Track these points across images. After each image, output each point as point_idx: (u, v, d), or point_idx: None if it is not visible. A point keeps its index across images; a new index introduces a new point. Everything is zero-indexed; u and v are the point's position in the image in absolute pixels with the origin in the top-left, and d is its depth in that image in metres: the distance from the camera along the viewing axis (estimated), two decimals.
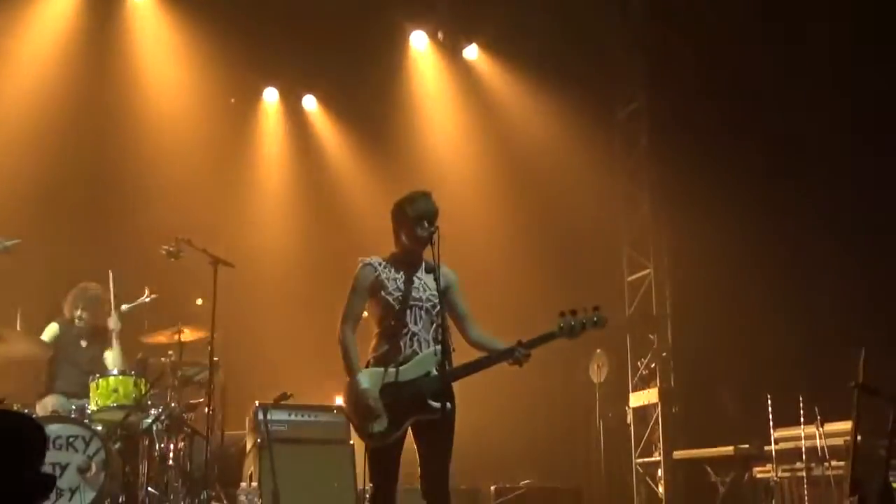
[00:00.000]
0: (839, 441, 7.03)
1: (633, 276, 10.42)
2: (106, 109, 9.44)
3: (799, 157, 8.69)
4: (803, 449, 7.31)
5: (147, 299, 7.30)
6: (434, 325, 4.81)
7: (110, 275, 7.34)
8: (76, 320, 7.29)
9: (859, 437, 5.79)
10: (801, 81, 8.51)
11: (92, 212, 9.24)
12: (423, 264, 4.94)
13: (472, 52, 10.71)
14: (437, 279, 4.73)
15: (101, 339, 7.35)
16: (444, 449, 4.73)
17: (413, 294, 4.83)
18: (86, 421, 6.39)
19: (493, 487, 8.15)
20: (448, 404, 4.58)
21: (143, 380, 6.77)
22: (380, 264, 4.91)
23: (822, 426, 7.15)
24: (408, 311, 4.81)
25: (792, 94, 8.64)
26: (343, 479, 7.06)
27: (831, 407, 7.01)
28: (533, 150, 10.34)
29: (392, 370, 4.73)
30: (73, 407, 6.70)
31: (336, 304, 4.99)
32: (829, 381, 6.82)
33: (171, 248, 6.80)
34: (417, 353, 4.77)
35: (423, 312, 4.83)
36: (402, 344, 4.78)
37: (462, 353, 4.83)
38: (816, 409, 7.19)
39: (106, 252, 8.62)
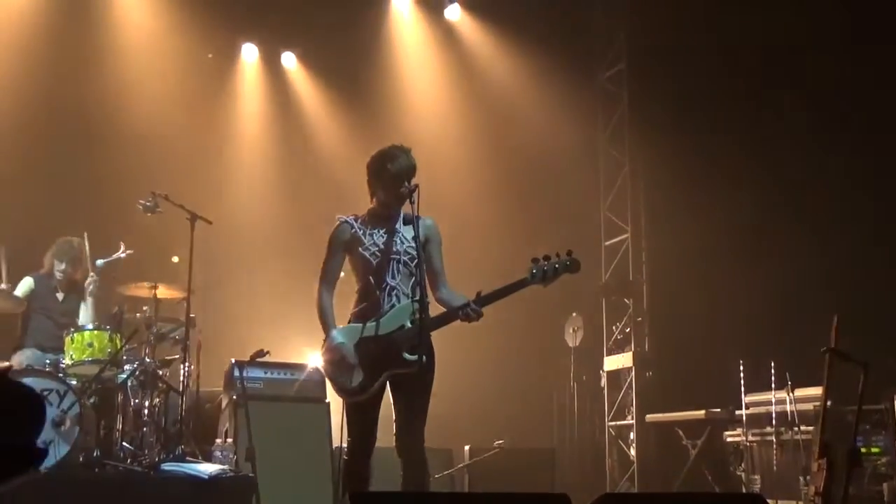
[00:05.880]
0: (809, 406, 7.12)
1: (611, 241, 10.44)
2: (83, 61, 9.28)
3: (777, 124, 8.72)
4: (773, 413, 7.42)
5: (123, 255, 7.23)
6: (413, 277, 4.78)
7: (85, 236, 7.29)
8: (56, 273, 7.23)
9: (829, 402, 5.87)
10: (783, 44, 8.50)
11: (69, 167, 9.11)
12: (402, 216, 4.91)
13: (453, 12, 10.60)
14: (416, 233, 4.70)
15: (77, 292, 7.31)
16: (419, 404, 4.72)
17: (392, 248, 4.82)
18: (60, 375, 6.36)
19: (467, 447, 8.20)
20: (424, 358, 4.53)
21: (119, 335, 6.73)
22: (356, 220, 4.90)
23: (792, 391, 7.24)
24: (386, 266, 4.79)
25: (773, 57, 8.64)
26: (318, 437, 7.06)
27: (802, 372, 7.09)
28: (513, 111, 10.30)
29: (371, 325, 4.72)
30: (48, 361, 6.66)
31: (314, 262, 4.97)
32: (801, 346, 6.91)
33: (147, 203, 6.74)
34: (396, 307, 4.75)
35: (400, 265, 4.80)
36: (381, 299, 4.76)
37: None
38: (787, 375, 7.28)
39: (83, 207, 8.54)
